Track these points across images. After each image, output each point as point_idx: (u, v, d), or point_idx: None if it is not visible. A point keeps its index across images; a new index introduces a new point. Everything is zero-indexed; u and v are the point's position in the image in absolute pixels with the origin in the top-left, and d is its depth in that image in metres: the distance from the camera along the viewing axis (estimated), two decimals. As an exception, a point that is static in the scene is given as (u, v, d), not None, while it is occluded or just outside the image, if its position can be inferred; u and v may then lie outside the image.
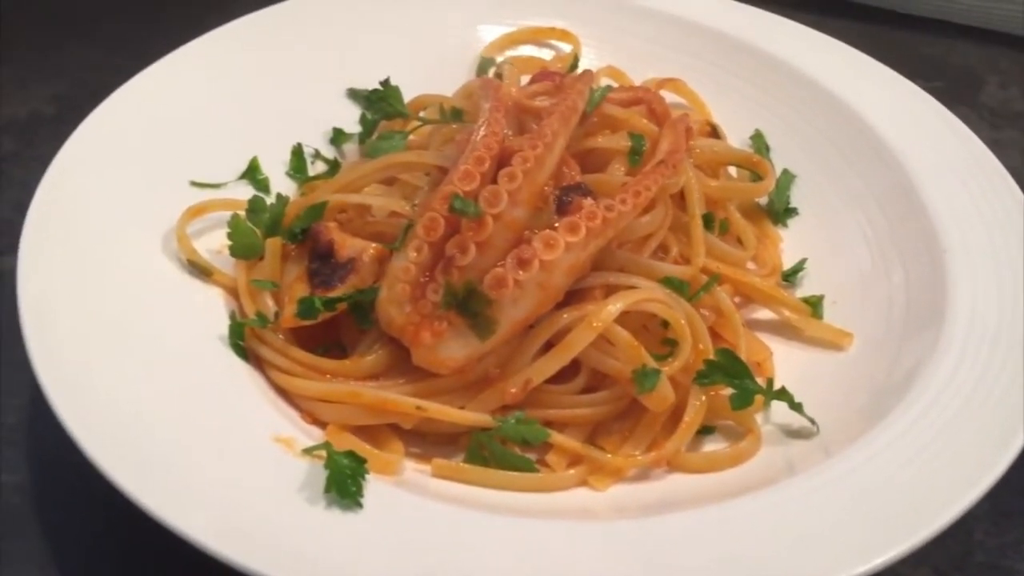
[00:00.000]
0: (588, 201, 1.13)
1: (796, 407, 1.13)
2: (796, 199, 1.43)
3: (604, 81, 1.52)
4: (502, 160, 1.14)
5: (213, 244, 1.27)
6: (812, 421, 1.12)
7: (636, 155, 1.24)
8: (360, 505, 0.97)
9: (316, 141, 1.47)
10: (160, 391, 1.06)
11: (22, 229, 1.17)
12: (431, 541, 0.96)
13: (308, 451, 1.03)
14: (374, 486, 1.00)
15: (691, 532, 0.97)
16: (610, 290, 1.14)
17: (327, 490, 0.97)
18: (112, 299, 1.14)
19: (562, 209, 1.13)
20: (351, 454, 1.01)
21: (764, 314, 1.31)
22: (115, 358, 1.08)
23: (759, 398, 1.13)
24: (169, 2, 1.95)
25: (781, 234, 1.40)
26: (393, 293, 1.10)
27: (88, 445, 0.98)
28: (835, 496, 0.99)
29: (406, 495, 1.02)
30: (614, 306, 1.10)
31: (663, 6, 1.65)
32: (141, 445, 1.00)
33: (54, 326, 1.09)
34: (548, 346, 1.12)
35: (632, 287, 1.14)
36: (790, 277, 1.34)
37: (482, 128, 1.16)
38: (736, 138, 1.49)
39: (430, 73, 1.54)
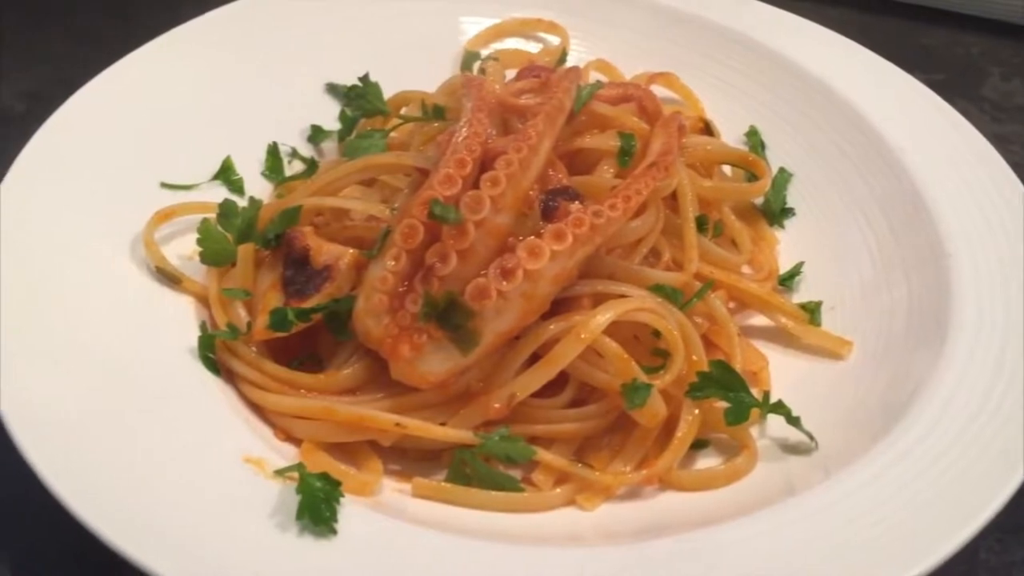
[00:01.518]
0: (575, 206, 1.07)
1: (794, 421, 1.08)
2: (793, 199, 1.38)
3: (593, 75, 1.47)
4: (485, 162, 1.09)
5: (184, 250, 1.21)
6: (810, 436, 1.07)
7: (626, 156, 1.19)
8: (334, 531, 0.92)
9: (293, 138, 1.41)
10: (124, 407, 1.02)
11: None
12: (410, 570, 0.91)
13: (280, 473, 0.97)
14: (350, 509, 0.95)
15: (685, 558, 0.92)
16: (598, 299, 1.09)
17: (300, 516, 0.92)
18: (76, 308, 1.09)
19: (548, 214, 1.07)
20: (325, 476, 0.95)
21: (759, 320, 1.26)
22: (77, 371, 1.03)
23: (755, 411, 1.08)
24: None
25: (777, 235, 1.35)
26: (370, 304, 1.05)
27: (45, 470, 0.93)
28: (835, 520, 0.94)
29: (383, 519, 0.96)
30: (603, 316, 1.05)
31: (654, -3, 1.60)
32: (102, 467, 0.95)
33: (12, 336, 1.03)
34: (533, 358, 1.07)
35: (622, 296, 1.08)
36: (787, 282, 1.28)
37: (464, 129, 1.10)
38: (730, 135, 1.43)
39: (412, 67, 1.48)
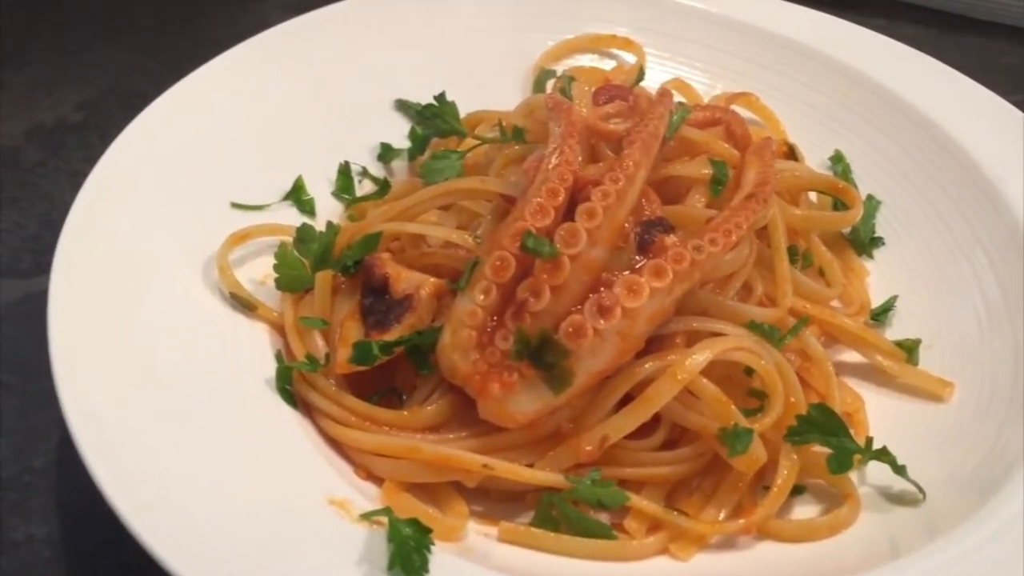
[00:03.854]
0: (671, 239, 1.02)
1: (900, 471, 1.02)
2: (881, 227, 1.32)
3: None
4: (575, 192, 1.04)
5: (256, 273, 1.18)
6: (919, 488, 1.02)
7: (718, 184, 1.14)
8: (426, 582, 0.88)
9: (362, 157, 1.37)
10: (199, 443, 0.97)
11: (51, 246, 1.08)
12: (503, 623, 0.87)
13: (367, 516, 0.93)
14: (439, 557, 0.91)
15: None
16: (692, 336, 1.04)
17: (391, 567, 0.88)
18: (148, 336, 1.05)
19: (643, 248, 1.02)
20: (415, 523, 0.91)
21: (849, 356, 1.21)
22: (150, 404, 0.99)
23: (858, 458, 1.03)
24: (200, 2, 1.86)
25: (866, 267, 1.30)
26: (458, 339, 1.00)
27: (122, 507, 0.89)
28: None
29: (473, 568, 0.92)
30: (700, 356, 1.00)
31: (730, 11, 1.55)
32: (179, 507, 0.91)
33: (85, 367, 1.00)
34: (626, 398, 1.02)
35: (718, 334, 1.03)
36: (879, 316, 1.23)
37: (554, 156, 1.05)
38: (813, 159, 1.38)
39: (481, 84, 1.44)
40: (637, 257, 1.02)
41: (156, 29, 1.81)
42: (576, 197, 1.04)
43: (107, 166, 1.19)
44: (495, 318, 1.00)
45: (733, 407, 1.01)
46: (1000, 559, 0.92)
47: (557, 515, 1.00)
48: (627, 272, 1.00)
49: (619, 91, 1.27)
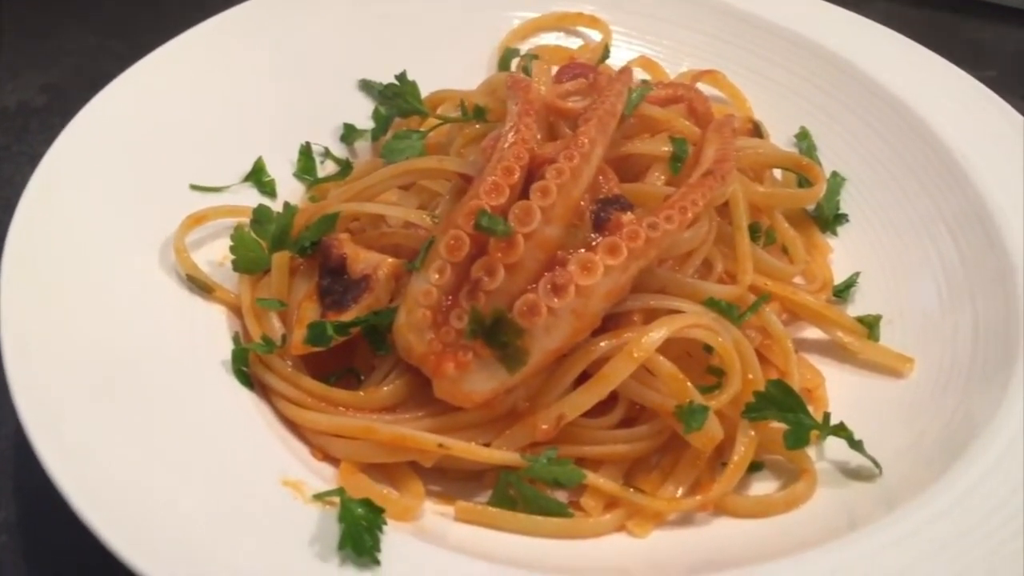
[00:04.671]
0: (628, 217, 1.02)
1: (856, 445, 1.02)
2: (846, 204, 1.32)
3: (636, 74, 1.41)
4: (532, 170, 1.03)
5: (215, 255, 1.17)
6: (875, 463, 1.02)
7: (678, 162, 1.13)
8: (377, 562, 0.88)
9: (325, 137, 1.36)
10: (155, 425, 0.97)
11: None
12: (455, 603, 0.87)
13: (319, 497, 0.93)
14: (393, 536, 0.91)
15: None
16: (650, 314, 1.04)
17: (342, 546, 0.88)
18: (103, 318, 1.05)
19: (599, 225, 1.02)
20: (367, 503, 0.91)
21: (811, 333, 1.20)
22: (105, 386, 0.98)
23: (815, 434, 1.02)
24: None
25: (829, 243, 1.29)
26: (413, 319, 1.00)
27: (69, 488, 0.88)
28: (900, 560, 0.89)
29: (427, 548, 0.92)
30: (656, 333, 1.00)
31: (698, -11, 1.54)
32: (132, 491, 0.90)
33: (37, 350, 0.99)
34: (582, 377, 1.02)
35: (675, 311, 1.03)
36: (841, 293, 1.23)
37: (510, 134, 1.05)
38: (779, 136, 1.38)
39: (446, 63, 1.44)
40: (593, 235, 1.02)
41: (125, 11, 1.79)
42: (533, 175, 1.03)
43: (63, 147, 1.18)
44: (450, 297, 1.00)
45: (689, 384, 1.01)
46: (959, 529, 0.92)
47: (514, 494, 1.00)
48: (582, 250, 0.99)
49: (583, 69, 1.27)
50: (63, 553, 1.04)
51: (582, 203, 1.02)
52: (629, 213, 1.03)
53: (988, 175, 1.24)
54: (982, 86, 1.37)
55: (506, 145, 1.04)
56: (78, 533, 0.87)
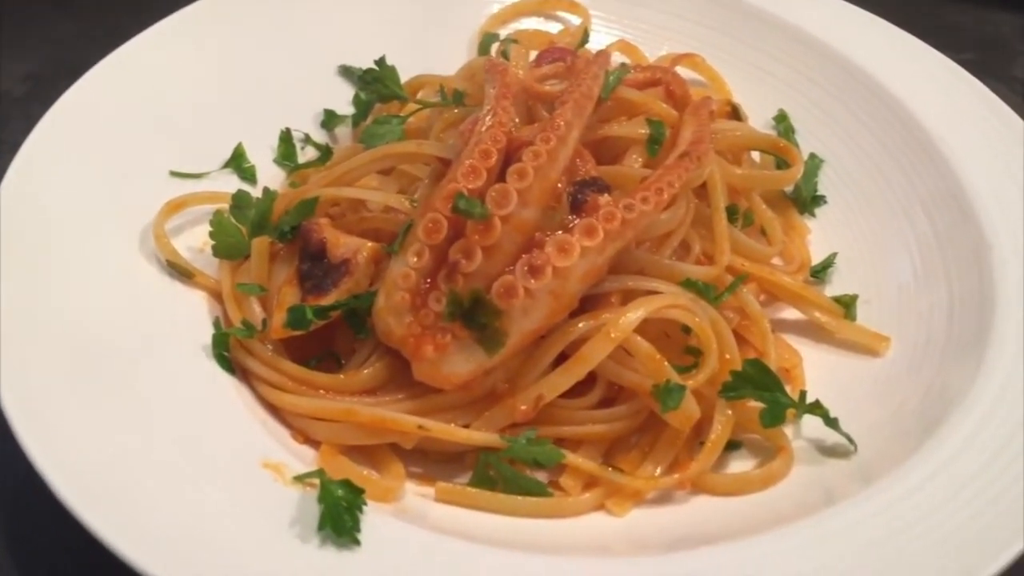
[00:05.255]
0: (605, 199, 1.02)
1: (832, 423, 1.04)
2: (823, 186, 1.33)
3: (616, 58, 1.41)
4: (509, 153, 1.04)
5: (194, 241, 1.17)
6: (850, 440, 1.03)
7: (655, 144, 1.14)
8: (357, 542, 0.89)
9: (306, 123, 1.36)
10: (135, 409, 0.97)
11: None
12: (436, 581, 0.88)
13: (299, 479, 0.94)
14: (373, 517, 0.92)
15: (720, 572, 0.88)
16: (628, 295, 1.05)
17: (321, 527, 0.88)
18: (83, 305, 1.05)
19: (576, 207, 1.03)
20: (346, 484, 0.92)
21: (789, 314, 1.22)
22: (82, 370, 0.99)
23: (791, 412, 1.04)
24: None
25: (807, 225, 1.30)
26: (392, 302, 1.00)
27: (50, 472, 0.89)
28: (876, 534, 0.90)
29: (407, 528, 0.93)
30: (634, 314, 1.01)
31: (675, -27, 1.54)
32: (114, 475, 0.91)
33: (19, 335, 0.99)
34: (561, 358, 1.03)
35: (652, 292, 1.04)
36: (819, 274, 1.24)
37: (488, 117, 1.05)
38: (758, 119, 1.38)
39: (426, 48, 1.44)
40: (570, 217, 1.02)
41: (105, -1, 1.78)
42: (510, 159, 1.04)
43: (42, 134, 1.18)
44: (429, 280, 1.00)
45: (666, 364, 1.02)
46: (934, 502, 0.93)
47: (494, 475, 1.01)
48: (559, 232, 1.00)
49: (562, 53, 1.27)
50: (43, 537, 1.04)
51: (559, 185, 1.03)
52: (606, 195, 1.03)
53: (965, 156, 1.25)
54: (960, 68, 1.38)
55: (483, 128, 1.04)
56: (61, 526, 0.87)
